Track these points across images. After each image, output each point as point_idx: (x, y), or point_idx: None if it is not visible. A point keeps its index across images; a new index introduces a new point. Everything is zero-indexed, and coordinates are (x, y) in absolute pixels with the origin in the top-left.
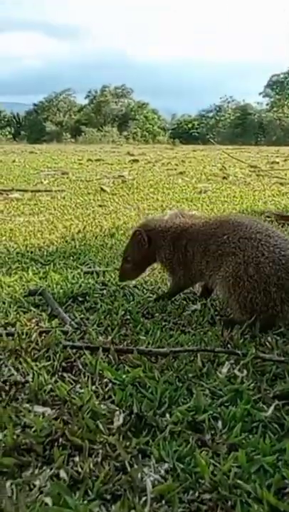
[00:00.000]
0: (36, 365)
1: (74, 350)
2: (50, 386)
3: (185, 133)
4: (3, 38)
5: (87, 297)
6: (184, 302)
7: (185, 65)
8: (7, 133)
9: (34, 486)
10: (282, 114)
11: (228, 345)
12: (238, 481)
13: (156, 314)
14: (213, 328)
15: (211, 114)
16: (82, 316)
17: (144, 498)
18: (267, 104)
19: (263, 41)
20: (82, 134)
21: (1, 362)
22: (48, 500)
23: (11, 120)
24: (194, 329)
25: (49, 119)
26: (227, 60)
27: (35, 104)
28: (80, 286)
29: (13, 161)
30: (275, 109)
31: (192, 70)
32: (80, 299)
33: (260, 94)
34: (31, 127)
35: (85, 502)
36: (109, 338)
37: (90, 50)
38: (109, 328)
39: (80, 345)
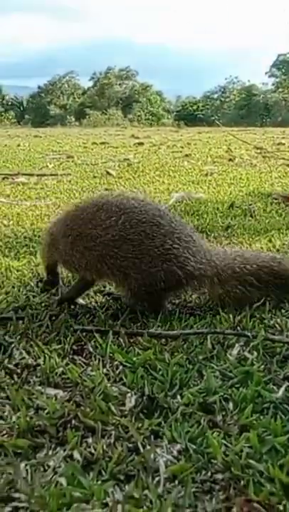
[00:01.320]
0: (47, 349)
1: (84, 334)
2: (61, 369)
3: (190, 115)
4: (7, 20)
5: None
6: None
7: (190, 46)
8: (11, 117)
9: (48, 466)
10: (288, 95)
11: (238, 328)
12: (250, 461)
13: None
14: (222, 311)
15: (216, 96)
16: (91, 299)
17: (157, 478)
18: (273, 85)
19: (268, 22)
20: (87, 117)
21: (13, 345)
22: (63, 480)
23: (15, 104)
24: (203, 312)
25: (53, 103)
26: (232, 41)
27: (39, 87)
28: None
29: (18, 145)
30: (280, 89)
31: (197, 51)
32: None
33: (266, 73)
34: (35, 111)
35: (99, 482)
36: (119, 321)
37: (95, 32)
38: (118, 312)
39: (91, 329)
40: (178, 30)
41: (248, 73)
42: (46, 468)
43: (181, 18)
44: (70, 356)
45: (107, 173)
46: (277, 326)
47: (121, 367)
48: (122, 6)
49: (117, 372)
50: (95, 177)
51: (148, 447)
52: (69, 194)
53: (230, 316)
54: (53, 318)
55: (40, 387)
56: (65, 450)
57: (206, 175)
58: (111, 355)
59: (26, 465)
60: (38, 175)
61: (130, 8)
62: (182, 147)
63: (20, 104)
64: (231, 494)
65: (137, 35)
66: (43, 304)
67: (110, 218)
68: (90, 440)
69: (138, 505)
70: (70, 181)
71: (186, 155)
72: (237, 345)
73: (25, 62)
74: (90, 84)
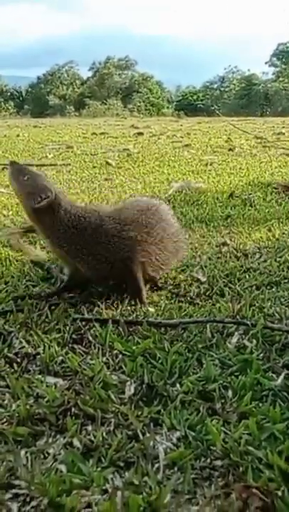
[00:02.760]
0: (47, 338)
1: (84, 323)
2: (61, 358)
3: (190, 105)
4: (6, 11)
5: None
6: (192, 275)
7: (189, 36)
8: (10, 107)
9: (48, 454)
10: (288, 84)
11: (237, 316)
12: (249, 448)
13: (165, 286)
14: (221, 300)
15: (215, 86)
16: (91, 289)
17: (156, 465)
18: (273, 74)
19: (269, 10)
20: (86, 107)
21: (12, 335)
22: (63, 467)
23: (14, 94)
24: (203, 301)
25: (52, 93)
26: (233, 30)
27: (38, 78)
28: None
29: (18, 136)
30: (281, 79)
31: (197, 41)
32: None
33: (266, 63)
34: (34, 101)
35: (99, 469)
36: (119, 310)
37: (94, 23)
38: (117, 301)
39: (90, 318)
40: (177, 20)
41: (248, 63)
42: (46, 455)
43: (181, 9)
44: (70, 345)
45: (107, 163)
46: (276, 314)
47: (120, 355)
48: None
49: (117, 360)
50: (94, 167)
51: (147, 434)
52: (68, 184)
53: (230, 304)
54: (53, 307)
55: (40, 376)
56: (64, 438)
57: (206, 165)
58: (110, 344)
59: (26, 452)
60: (37, 165)
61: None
62: (182, 137)
63: (20, 94)
64: (230, 480)
65: (136, 25)
66: (42, 294)
67: None
68: (89, 428)
69: (137, 491)
70: (69, 171)
71: (186, 145)
72: (236, 333)
73: (23, 52)
74: (90, 74)
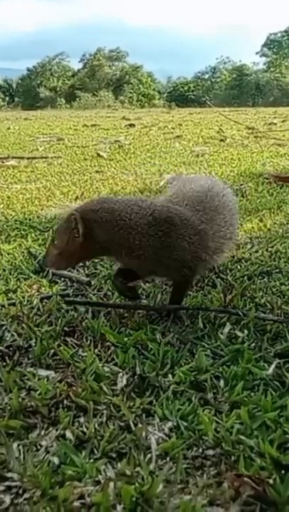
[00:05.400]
0: (39, 330)
1: (76, 315)
2: (53, 350)
3: (181, 96)
4: None
5: (86, 263)
6: None
7: (181, 26)
8: (0, 100)
9: (41, 446)
10: (279, 74)
11: (229, 307)
12: (241, 437)
13: (157, 278)
14: (213, 290)
15: (207, 76)
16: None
17: (149, 456)
18: (264, 64)
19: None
20: (77, 99)
21: (4, 328)
22: (55, 459)
23: (4, 86)
24: (195, 291)
25: (43, 85)
26: (224, 20)
27: (28, 70)
28: None
29: (8, 128)
30: (272, 69)
31: (188, 31)
32: (80, 264)
33: (257, 53)
34: (25, 93)
35: (91, 460)
36: (110, 301)
37: (84, 13)
38: (109, 293)
39: (82, 310)
40: (168, 10)
41: (239, 53)
42: (39, 447)
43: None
44: (62, 338)
45: (98, 155)
46: (268, 304)
47: (112, 347)
48: None
49: (109, 352)
50: (85, 159)
51: (140, 425)
52: (60, 177)
53: (221, 295)
54: (44, 300)
55: (32, 369)
56: (57, 430)
57: (198, 156)
58: (102, 335)
59: (19, 445)
60: (28, 158)
61: None
62: (173, 128)
63: (10, 86)
64: (222, 469)
65: (127, 16)
66: (34, 287)
67: None
68: (81, 419)
69: (130, 482)
70: (60, 164)
71: (178, 136)
72: (228, 323)
73: (13, 44)
74: (80, 65)
